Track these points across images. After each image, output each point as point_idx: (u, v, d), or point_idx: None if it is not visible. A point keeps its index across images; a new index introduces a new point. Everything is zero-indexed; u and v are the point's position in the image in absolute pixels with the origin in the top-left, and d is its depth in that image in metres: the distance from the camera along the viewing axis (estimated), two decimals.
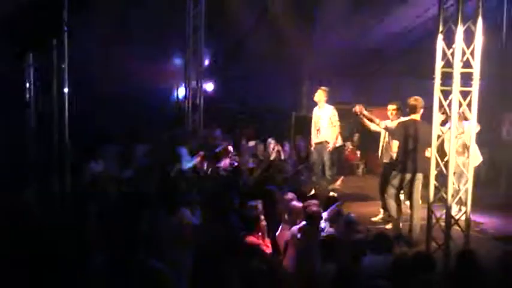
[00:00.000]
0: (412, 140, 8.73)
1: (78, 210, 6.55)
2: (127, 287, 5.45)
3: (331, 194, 11.05)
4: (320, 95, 11.52)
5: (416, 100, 8.88)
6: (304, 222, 7.33)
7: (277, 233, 7.72)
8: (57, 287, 5.39)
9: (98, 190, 7.76)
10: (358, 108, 9.83)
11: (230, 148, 11.97)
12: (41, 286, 5.40)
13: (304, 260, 6.88)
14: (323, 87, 11.65)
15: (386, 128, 9.83)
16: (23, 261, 5.50)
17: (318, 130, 11.53)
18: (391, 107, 9.89)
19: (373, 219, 10.11)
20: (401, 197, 9.32)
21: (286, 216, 7.90)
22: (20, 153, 7.33)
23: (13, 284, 5.35)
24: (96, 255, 5.79)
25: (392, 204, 9.12)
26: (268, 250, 7.13)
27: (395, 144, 9.09)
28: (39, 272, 5.42)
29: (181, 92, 16.16)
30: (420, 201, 8.89)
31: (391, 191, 9.08)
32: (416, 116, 8.86)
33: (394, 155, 9.19)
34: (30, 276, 5.40)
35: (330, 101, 11.62)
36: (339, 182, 12.08)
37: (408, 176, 8.83)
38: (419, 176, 8.77)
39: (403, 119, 9.32)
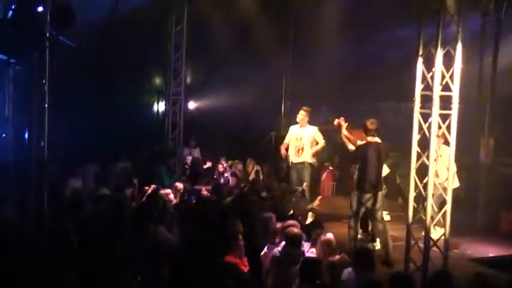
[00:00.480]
0: (372, 161, 9.04)
1: (56, 226, 6.48)
2: None
3: (311, 214, 11.05)
4: (303, 115, 11.51)
5: (372, 123, 9.16)
6: (284, 244, 7.30)
7: (261, 253, 7.67)
8: None
9: (76, 207, 7.68)
10: (339, 120, 9.87)
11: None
12: None
13: (283, 281, 6.83)
14: (305, 107, 11.59)
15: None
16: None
17: (298, 150, 11.52)
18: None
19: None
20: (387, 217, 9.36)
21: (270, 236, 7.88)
22: None
23: None
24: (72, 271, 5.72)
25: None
26: (245, 269, 7.10)
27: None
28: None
29: (161, 109, 16.20)
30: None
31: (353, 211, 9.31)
32: (374, 138, 9.17)
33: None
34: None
35: (310, 121, 11.64)
36: (317, 202, 12.05)
37: (369, 195, 9.07)
38: (380, 194, 9.16)
39: (359, 142, 9.44)
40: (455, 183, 9.75)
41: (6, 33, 5.81)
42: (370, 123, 9.14)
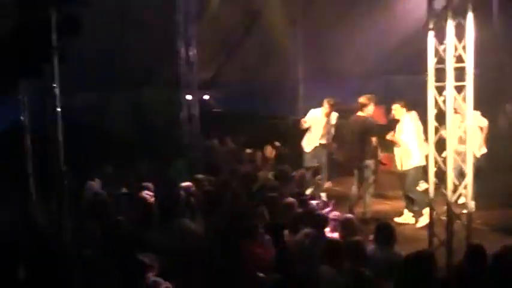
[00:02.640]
0: (359, 134, 10.16)
1: (80, 231, 6.55)
2: None
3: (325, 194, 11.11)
4: (326, 109, 11.59)
5: (367, 99, 10.16)
6: (309, 229, 7.28)
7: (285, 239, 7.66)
8: None
9: (97, 211, 7.74)
10: None
11: None
12: None
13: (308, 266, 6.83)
14: (329, 100, 11.61)
15: None
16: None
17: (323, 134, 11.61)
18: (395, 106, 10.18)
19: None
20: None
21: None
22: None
23: None
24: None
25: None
26: (267, 257, 7.07)
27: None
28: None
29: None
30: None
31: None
32: (365, 112, 10.16)
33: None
34: None
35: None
36: (329, 184, 12.08)
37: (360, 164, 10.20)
38: (369, 162, 10.11)
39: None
40: (482, 149, 10.32)
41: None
42: (364, 98, 10.23)
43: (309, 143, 11.80)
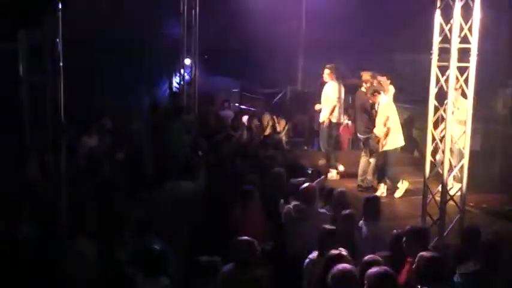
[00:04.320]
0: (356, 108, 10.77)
1: (75, 188, 6.54)
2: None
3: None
4: (328, 74, 11.39)
5: (371, 76, 10.36)
6: (298, 201, 7.28)
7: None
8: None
9: (92, 168, 7.70)
10: None
11: None
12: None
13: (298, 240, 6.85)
14: (328, 65, 11.47)
15: None
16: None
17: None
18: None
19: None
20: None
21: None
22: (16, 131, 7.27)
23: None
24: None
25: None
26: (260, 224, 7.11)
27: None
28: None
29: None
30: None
31: None
32: (363, 89, 10.41)
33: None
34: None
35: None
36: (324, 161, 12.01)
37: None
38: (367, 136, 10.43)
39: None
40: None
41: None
42: (364, 74, 10.50)
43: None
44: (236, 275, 5.38)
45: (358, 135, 10.80)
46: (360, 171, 10.44)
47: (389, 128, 9.79)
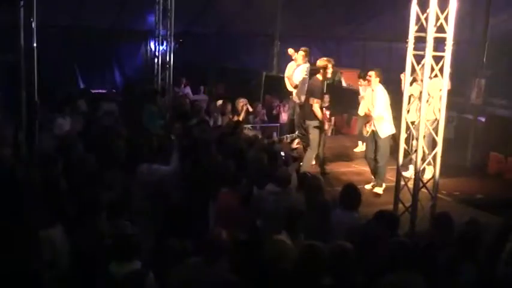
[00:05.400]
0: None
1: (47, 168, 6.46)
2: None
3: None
4: (302, 56, 11.46)
5: (327, 61, 10.26)
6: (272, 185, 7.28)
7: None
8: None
9: (64, 149, 7.57)
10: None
11: None
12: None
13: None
14: (303, 48, 11.54)
15: None
16: None
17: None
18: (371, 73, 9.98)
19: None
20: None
21: None
22: None
23: None
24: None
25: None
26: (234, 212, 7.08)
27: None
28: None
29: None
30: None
31: None
32: (322, 75, 10.23)
33: None
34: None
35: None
36: (296, 143, 12.00)
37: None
38: (309, 123, 10.34)
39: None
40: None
41: None
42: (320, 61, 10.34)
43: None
44: (202, 266, 5.31)
45: (307, 121, 10.55)
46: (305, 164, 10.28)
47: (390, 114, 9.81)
